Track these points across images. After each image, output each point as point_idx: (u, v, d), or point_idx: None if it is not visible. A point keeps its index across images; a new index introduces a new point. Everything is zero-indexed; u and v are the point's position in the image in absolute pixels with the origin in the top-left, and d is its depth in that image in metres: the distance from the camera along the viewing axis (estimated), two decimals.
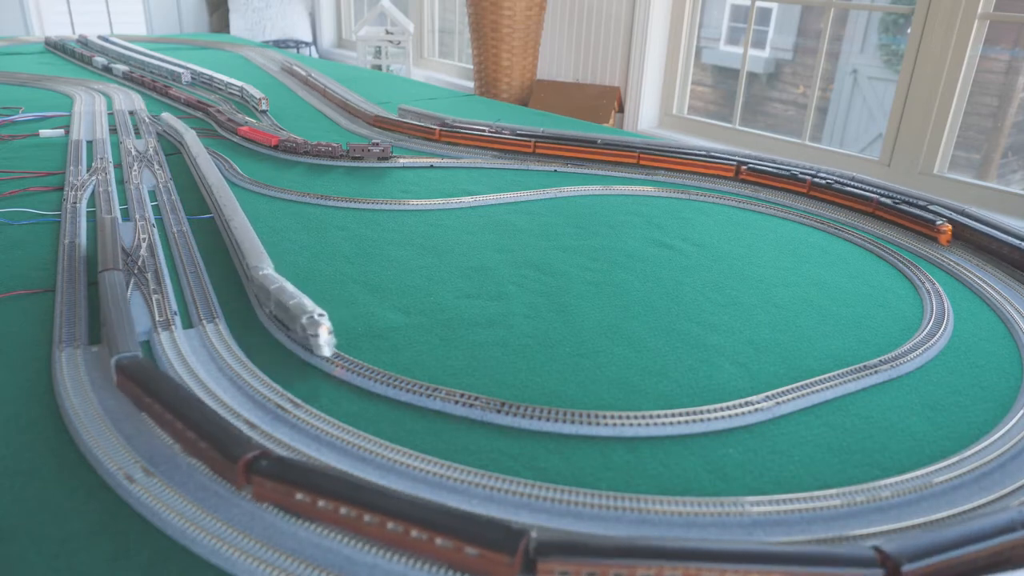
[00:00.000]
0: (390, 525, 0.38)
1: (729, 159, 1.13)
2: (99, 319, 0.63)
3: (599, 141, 1.17)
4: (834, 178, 1.05)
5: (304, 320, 0.59)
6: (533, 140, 1.19)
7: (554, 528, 0.42)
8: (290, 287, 0.63)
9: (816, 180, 1.03)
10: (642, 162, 1.15)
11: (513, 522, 0.42)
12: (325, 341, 0.59)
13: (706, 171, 1.12)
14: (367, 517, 0.39)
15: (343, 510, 0.39)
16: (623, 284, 0.76)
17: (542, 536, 0.37)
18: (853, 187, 1.01)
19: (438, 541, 0.37)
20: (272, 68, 1.98)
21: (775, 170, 1.07)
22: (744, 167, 1.09)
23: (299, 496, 0.41)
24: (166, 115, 0.77)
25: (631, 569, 0.35)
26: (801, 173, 1.06)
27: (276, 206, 0.95)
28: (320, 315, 0.59)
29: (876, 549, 0.37)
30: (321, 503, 0.40)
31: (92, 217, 0.87)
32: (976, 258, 0.85)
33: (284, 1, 4.39)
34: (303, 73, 1.75)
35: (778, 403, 0.55)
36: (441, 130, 1.25)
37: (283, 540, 0.40)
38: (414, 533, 0.38)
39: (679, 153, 1.15)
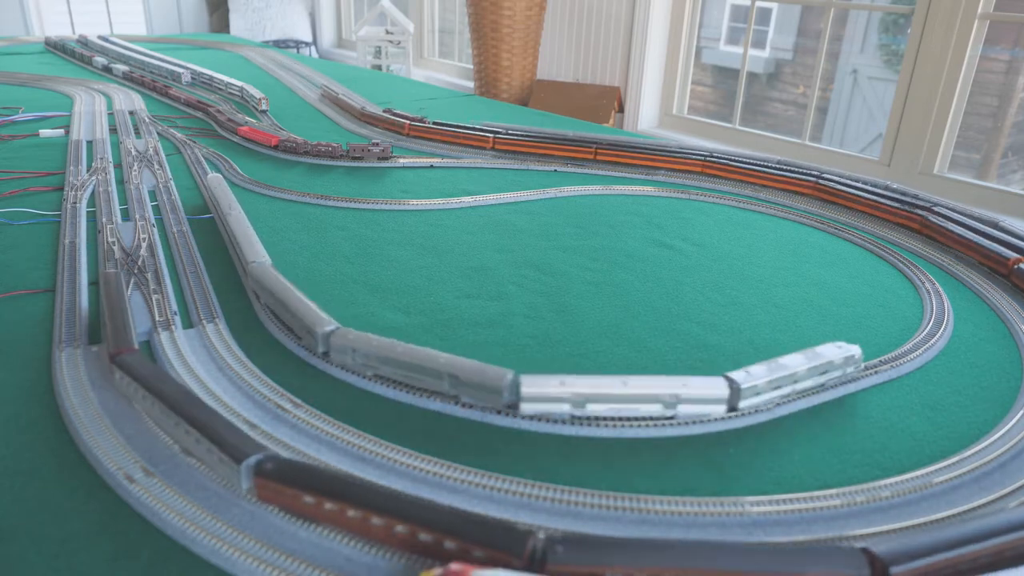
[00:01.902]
0: (398, 527, 0.38)
1: (806, 174, 1.06)
2: (99, 319, 0.63)
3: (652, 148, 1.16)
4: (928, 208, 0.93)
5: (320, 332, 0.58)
6: (595, 147, 1.17)
7: (556, 528, 0.42)
8: (298, 293, 0.62)
9: (917, 213, 0.93)
10: (707, 171, 1.12)
11: (520, 523, 0.42)
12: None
13: (784, 187, 1.06)
14: (375, 519, 0.39)
15: (350, 512, 0.39)
16: (623, 284, 0.76)
17: (552, 536, 0.37)
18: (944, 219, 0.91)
19: (446, 544, 0.37)
20: (272, 68, 1.98)
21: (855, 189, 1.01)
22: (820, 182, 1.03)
23: (306, 499, 0.40)
24: (213, 177, 0.74)
25: (639, 570, 0.35)
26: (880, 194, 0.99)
27: (276, 206, 0.95)
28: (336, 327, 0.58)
29: (864, 551, 0.37)
30: (328, 505, 0.40)
31: (92, 217, 0.87)
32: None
33: (284, 1, 4.39)
34: (341, 96, 1.59)
35: (778, 404, 0.55)
36: (496, 139, 1.22)
37: (283, 540, 0.40)
38: (422, 536, 0.38)
39: (753, 165, 1.10)
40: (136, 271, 0.72)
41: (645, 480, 0.48)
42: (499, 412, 0.53)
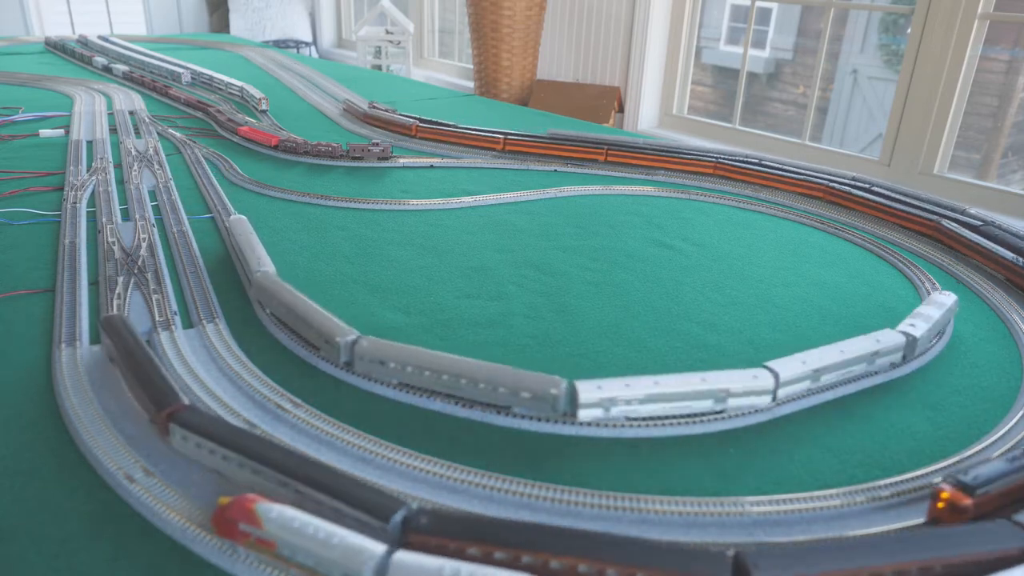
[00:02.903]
0: (581, 567, 0.36)
1: (816, 177, 1.05)
2: (99, 319, 0.63)
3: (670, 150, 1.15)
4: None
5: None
6: (605, 148, 1.16)
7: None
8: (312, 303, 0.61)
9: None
10: (719, 172, 1.11)
11: (393, 492, 0.43)
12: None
13: (796, 190, 1.05)
14: (554, 563, 0.36)
15: (525, 559, 0.36)
16: (623, 284, 0.76)
17: (422, 507, 0.40)
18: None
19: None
20: (272, 68, 1.98)
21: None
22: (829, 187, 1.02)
23: (455, 547, 0.37)
24: (236, 220, 0.71)
25: (498, 549, 0.36)
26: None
27: (276, 206, 0.95)
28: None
29: (735, 555, 0.37)
30: (472, 550, 0.37)
31: (92, 217, 0.87)
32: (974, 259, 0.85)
33: (284, 1, 4.39)
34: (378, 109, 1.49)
35: (778, 403, 0.55)
36: (506, 140, 1.21)
37: None
38: (610, 572, 0.35)
39: (764, 168, 1.09)
40: (136, 271, 0.72)
41: (645, 480, 0.48)
42: (499, 412, 0.53)
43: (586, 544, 0.36)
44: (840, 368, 0.57)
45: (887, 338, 0.59)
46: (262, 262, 0.69)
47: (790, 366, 0.55)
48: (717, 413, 0.53)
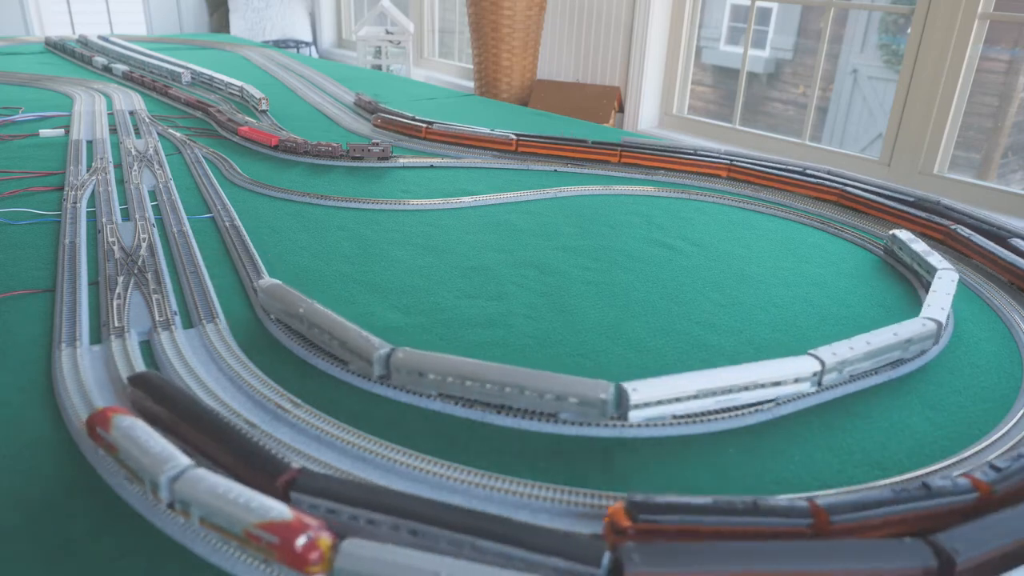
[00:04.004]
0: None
1: (831, 181, 1.04)
2: (99, 320, 0.63)
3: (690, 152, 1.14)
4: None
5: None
6: (619, 150, 1.15)
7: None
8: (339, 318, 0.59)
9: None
10: (732, 175, 1.10)
11: (285, 457, 0.43)
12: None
13: (807, 193, 1.05)
14: None
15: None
16: (623, 284, 0.76)
17: (306, 470, 0.42)
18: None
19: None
20: (272, 68, 1.98)
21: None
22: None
23: None
24: (269, 285, 0.65)
25: (370, 512, 0.39)
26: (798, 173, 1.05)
27: (276, 206, 0.95)
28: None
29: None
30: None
31: (92, 217, 0.87)
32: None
33: (284, 1, 4.39)
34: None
35: (778, 403, 0.55)
36: (519, 141, 1.20)
37: None
38: None
39: (777, 170, 1.08)
40: (136, 271, 0.72)
41: (645, 480, 0.48)
42: (499, 411, 0.53)
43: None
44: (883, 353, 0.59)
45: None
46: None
47: (837, 352, 0.57)
48: (769, 402, 0.55)
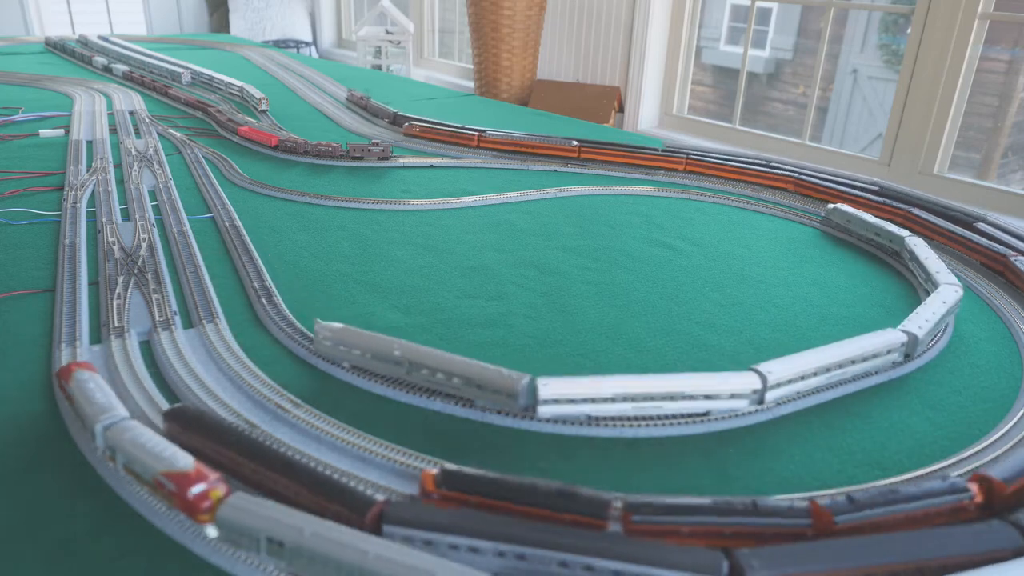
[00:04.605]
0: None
1: (788, 171, 1.05)
2: (99, 320, 0.63)
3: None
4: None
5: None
6: (685, 156, 1.13)
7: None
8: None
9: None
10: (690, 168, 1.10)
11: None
12: None
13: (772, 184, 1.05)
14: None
15: None
16: (623, 284, 0.76)
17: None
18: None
19: None
20: (272, 68, 1.98)
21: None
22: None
23: None
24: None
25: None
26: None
27: (276, 206, 0.95)
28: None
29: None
30: None
31: (92, 217, 0.87)
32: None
33: (284, 1, 4.39)
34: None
35: (778, 403, 0.55)
36: (582, 148, 1.17)
37: None
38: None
39: (840, 184, 1.04)
40: (136, 271, 0.72)
41: (645, 480, 0.48)
42: (499, 412, 0.53)
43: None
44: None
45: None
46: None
47: (774, 370, 0.54)
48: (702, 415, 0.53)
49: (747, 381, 0.53)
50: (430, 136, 1.26)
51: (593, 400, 0.51)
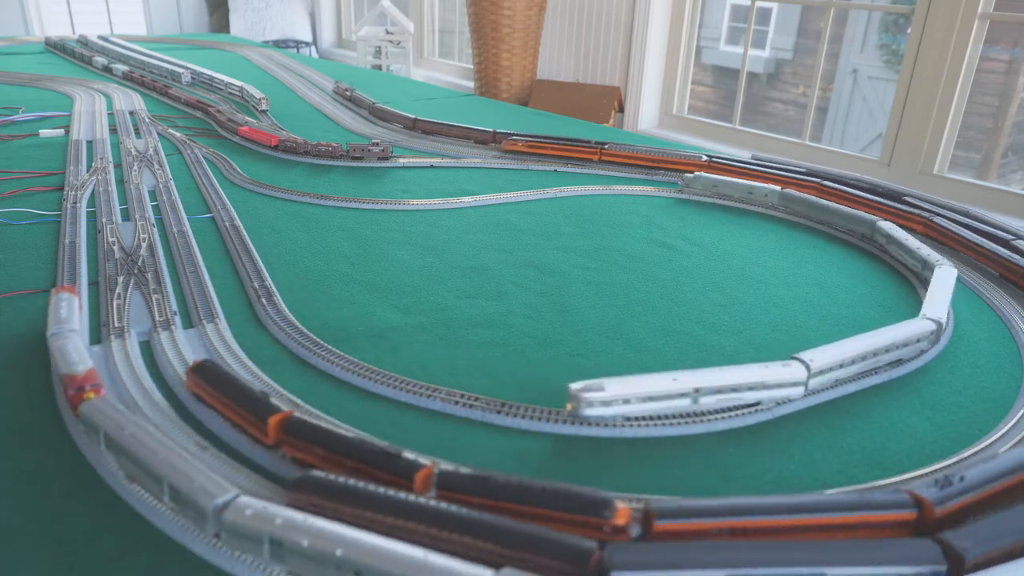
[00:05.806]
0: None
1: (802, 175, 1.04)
2: (99, 320, 0.63)
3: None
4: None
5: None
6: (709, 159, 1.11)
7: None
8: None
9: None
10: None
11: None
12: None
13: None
14: None
15: None
16: (623, 284, 0.76)
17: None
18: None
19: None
20: (272, 68, 1.98)
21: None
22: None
23: None
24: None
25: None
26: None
27: (276, 206, 0.95)
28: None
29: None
30: None
31: (92, 217, 0.87)
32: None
33: (284, 1, 4.39)
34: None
35: (779, 403, 0.55)
36: (603, 151, 1.15)
37: None
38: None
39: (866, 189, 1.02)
40: (136, 271, 0.72)
41: (645, 480, 0.48)
42: (499, 412, 0.53)
43: None
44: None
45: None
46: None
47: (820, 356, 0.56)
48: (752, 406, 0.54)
49: (793, 371, 0.54)
50: (539, 151, 1.15)
51: (653, 398, 0.51)
